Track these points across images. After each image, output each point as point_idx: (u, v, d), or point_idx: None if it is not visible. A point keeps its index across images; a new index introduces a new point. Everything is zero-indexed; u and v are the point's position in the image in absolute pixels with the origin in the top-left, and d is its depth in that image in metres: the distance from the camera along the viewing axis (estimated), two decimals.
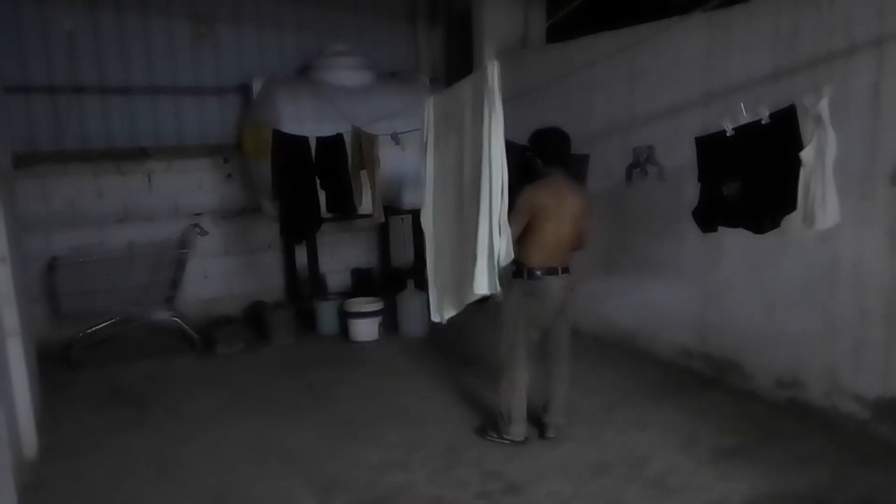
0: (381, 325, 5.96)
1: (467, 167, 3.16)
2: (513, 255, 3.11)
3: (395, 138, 4.80)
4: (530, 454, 3.76)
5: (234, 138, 6.56)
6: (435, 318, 3.53)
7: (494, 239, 3.00)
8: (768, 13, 3.99)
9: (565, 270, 3.71)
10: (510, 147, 3.48)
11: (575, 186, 3.75)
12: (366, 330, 5.90)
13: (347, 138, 5.25)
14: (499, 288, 3.12)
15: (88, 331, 5.62)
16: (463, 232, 3.23)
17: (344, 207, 5.40)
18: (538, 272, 3.58)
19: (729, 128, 3.12)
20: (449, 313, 3.46)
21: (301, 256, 6.57)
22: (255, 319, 6.33)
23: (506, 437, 3.84)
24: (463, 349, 5.49)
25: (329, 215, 5.58)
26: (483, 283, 3.09)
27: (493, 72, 2.86)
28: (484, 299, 3.53)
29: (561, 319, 3.83)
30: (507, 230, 3.04)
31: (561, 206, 3.57)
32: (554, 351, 3.89)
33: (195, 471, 3.72)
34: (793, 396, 4.13)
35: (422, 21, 7.48)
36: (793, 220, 3.00)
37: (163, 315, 5.84)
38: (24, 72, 5.86)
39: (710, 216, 3.42)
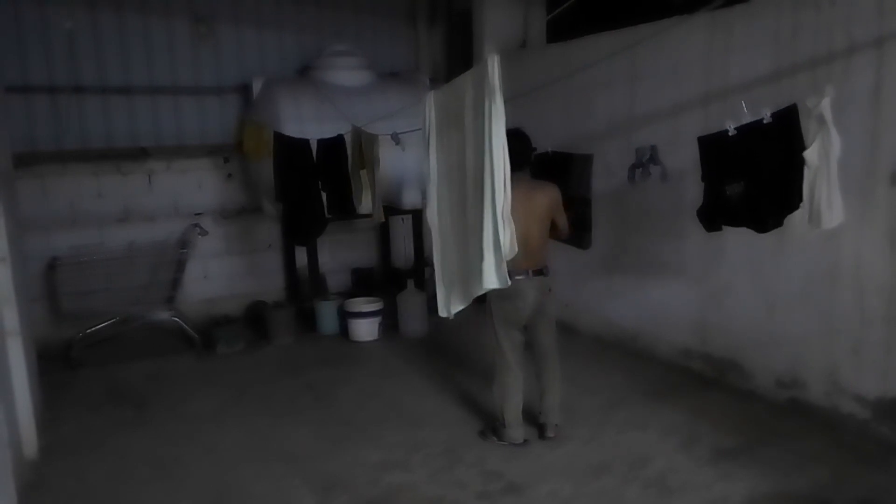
0: (381, 325, 5.96)
1: (470, 161, 3.15)
2: (516, 249, 3.10)
3: (396, 138, 4.79)
4: (530, 454, 3.76)
5: (235, 138, 6.56)
6: (442, 313, 3.51)
7: (499, 232, 3.00)
8: (768, 13, 3.99)
9: (538, 272, 3.71)
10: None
11: (544, 185, 3.75)
12: (366, 330, 5.90)
13: (348, 139, 5.25)
14: (508, 281, 3.11)
15: (88, 331, 5.63)
16: (468, 226, 3.23)
17: (344, 208, 5.40)
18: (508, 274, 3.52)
19: (731, 127, 3.12)
20: (456, 308, 3.45)
21: (301, 256, 6.57)
22: (255, 319, 6.34)
23: (504, 440, 3.84)
24: (463, 349, 5.48)
25: (330, 216, 5.58)
26: (492, 277, 3.08)
27: (494, 65, 2.86)
28: (484, 297, 3.53)
29: (541, 321, 3.82)
30: (510, 224, 3.03)
31: (527, 206, 3.55)
32: (540, 352, 3.89)
33: (195, 471, 3.72)
34: (793, 396, 4.13)
35: (422, 21, 7.48)
36: (797, 220, 3.01)
37: (163, 315, 5.85)
38: (24, 72, 5.87)
39: (713, 216, 3.42)
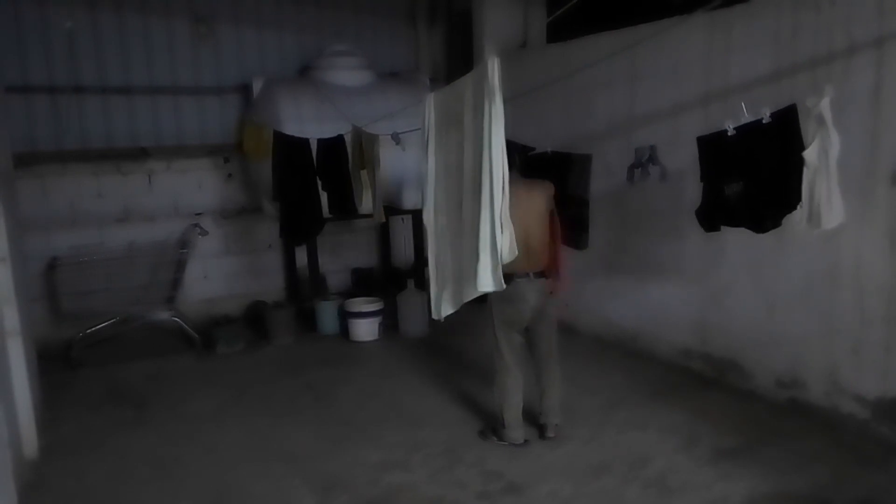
0: (381, 325, 5.96)
1: (468, 163, 3.15)
2: (516, 252, 3.08)
3: (396, 138, 4.80)
4: (530, 454, 3.76)
5: (235, 138, 6.56)
6: (434, 315, 3.52)
7: (496, 235, 2.99)
8: (768, 13, 3.99)
9: (540, 274, 3.70)
10: (512, 147, 3.48)
11: (540, 184, 3.73)
12: (366, 330, 5.91)
13: (348, 139, 5.25)
14: (503, 284, 3.10)
15: (88, 331, 5.63)
16: (464, 228, 3.22)
17: (345, 208, 5.41)
18: (509, 276, 3.39)
19: (730, 128, 3.12)
20: (447, 311, 3.45)
21: (301, 256, 6.57)
22: (255, 319, 6.34)
23: (504, 440, 3.85)
24: (463, 349, 5.49)
25: (329, 216, 5.58)
26: (487, 280, 3.07)
27: (494, 67, 2.86)
28: (484, 298, 3.53)
29: (542, 322, 3.82)
30: (508, 226, 3.02)
31: (526, 207, 3.52)
32: (541, 353, 3.89)
33: (195, 471, 3.72)
34: (793, 396, 4.13)
35: (422, 21, 7.48)
36: (797, 220, 3.01)
37: (163, 315, 5.85)
38: (24, 72, 5.87)
39: (712, 216, 3.42)
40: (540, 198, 3.68)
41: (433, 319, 3.57)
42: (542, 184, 3.75)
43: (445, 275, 3.46)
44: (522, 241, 3.45)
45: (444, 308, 3.44)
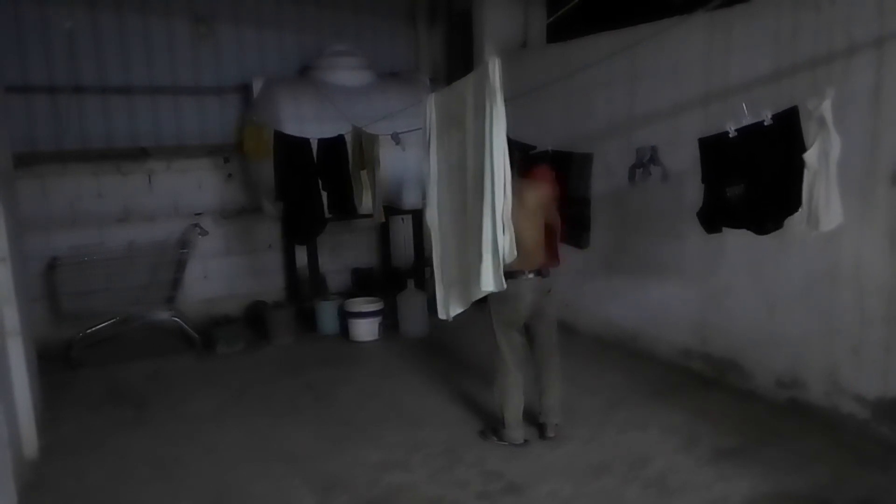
0: (381, 325, 5.96)
1: (470, 164, 3.16)
2: (516, 253, 3.09)
3: (396, 138, 4.80)
4: (530, 454, 3.76)
5: (235, 138, 6.56)
6: (442, 315, 3.51)
7: (498, 235, 2.99)
8: (768, 13, 4.00)
9: (538, 273, 3.70)
10: (513, 145, 3.48)
11: (534, 184, 3.73)
12: (366, 330, 5.91)
13: (348, 139, 5.25)
14: (504, 285, 3.10)
15: (88, 331, 5.63)
16: (467, 228, 3.23)
17: (345, 208, 5.41)
18: (506, 275, 3.34)
19: (732, 129, 3.12)
20: (455, 310, 3.44)
21: (301, 256, 6.57)
22: (255, 319, 6.34)
23: (504, 440, 3.85)
24: (463, 349, 5.49)
25: (330, 216, 5.59)
26: (489, 280, 3.08)
27: (495, 68, 2.87)
28: (485, 298, 3.53)
29: (541, 322, 3.82)
30: (510, 226, 3.03)
31: (519, 206, 3.45)
32: (541, 352, 3.89)
33: (195, 471, 3.72)
34: (793, 396, 4.13)
35: (422, 21, 7.48)
36: (796, 222, 3.01)
37: (163, 315, 5.85)
38: (24, 72, 5.87)
39: (713, 217, 3.42)
40: (534, 198, 3.68)
41: (433, 319, 3.58)
42: (538, 183, 3.75)
43: (451, 275, 3.46)
44: (519, 240, 3.46)
45: (453, 308, 3.44)
